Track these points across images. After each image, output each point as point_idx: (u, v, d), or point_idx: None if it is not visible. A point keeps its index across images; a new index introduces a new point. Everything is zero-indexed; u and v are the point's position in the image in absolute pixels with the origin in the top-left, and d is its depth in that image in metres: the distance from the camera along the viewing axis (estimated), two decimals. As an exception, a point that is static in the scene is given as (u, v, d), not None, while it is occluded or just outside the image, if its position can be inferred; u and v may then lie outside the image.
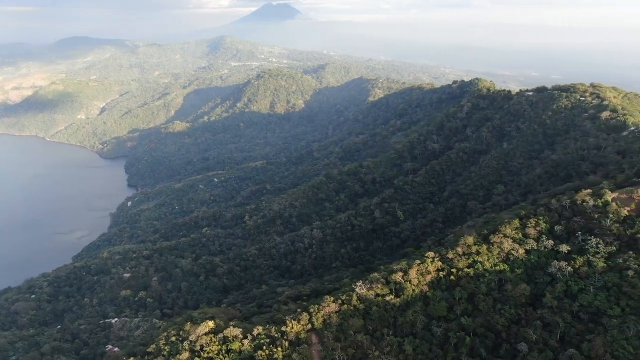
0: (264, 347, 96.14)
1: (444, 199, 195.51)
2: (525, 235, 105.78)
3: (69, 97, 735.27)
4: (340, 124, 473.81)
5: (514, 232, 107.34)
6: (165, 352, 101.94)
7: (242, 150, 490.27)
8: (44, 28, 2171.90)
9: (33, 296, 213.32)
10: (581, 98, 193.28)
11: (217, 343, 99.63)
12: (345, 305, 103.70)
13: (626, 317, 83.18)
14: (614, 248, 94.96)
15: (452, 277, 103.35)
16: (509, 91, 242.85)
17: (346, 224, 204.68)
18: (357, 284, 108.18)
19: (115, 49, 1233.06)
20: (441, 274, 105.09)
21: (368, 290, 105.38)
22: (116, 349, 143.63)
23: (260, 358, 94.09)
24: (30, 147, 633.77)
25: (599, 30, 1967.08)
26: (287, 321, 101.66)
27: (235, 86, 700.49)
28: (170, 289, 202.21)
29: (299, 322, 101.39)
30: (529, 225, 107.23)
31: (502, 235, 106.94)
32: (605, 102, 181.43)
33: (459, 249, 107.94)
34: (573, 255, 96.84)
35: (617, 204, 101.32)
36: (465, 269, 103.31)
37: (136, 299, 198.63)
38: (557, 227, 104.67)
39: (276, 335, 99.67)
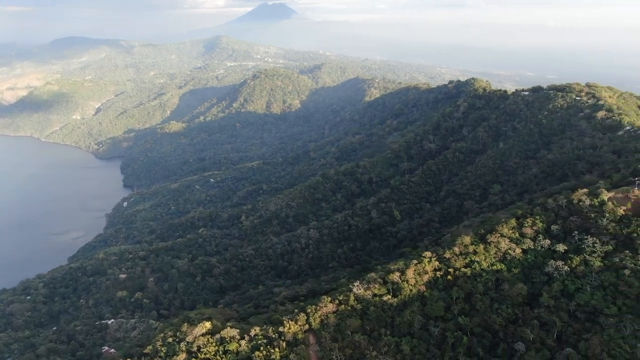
0: (262, 348, 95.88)
1: (441, 199, 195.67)
2: (522, 235, 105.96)
3: (64, 97, 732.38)
4: (337, 124, 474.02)
5: (510, 231, 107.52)
6: (162, 354, 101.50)
7: (239, 151, 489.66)
8: (39, 28, 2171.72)
9: (28, 297, 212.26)
10: (577, 98, 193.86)
11: (214, 344, 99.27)
12: (343, 306, 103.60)
13: (623, 316, 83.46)
14: (611, 247, 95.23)
15: (449, 277, 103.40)
16: (505, 91, 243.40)
17: (343, 224, 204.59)
18: (355, 284, 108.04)
19: (111, 49, 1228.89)
20: (438, 273, 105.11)
21: (365, 291, 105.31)
22: (112, 350, 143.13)
23: (258, 359, 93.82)
24: (25, 147, 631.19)
25: (599, 30, 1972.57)
26: (285, 322, 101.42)
27: (231, 86, 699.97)
28: (167, 289, 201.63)
29: (296, 322, 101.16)
30: (526, 225, 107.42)
31: (499, 234, 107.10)
32: (601, 102, 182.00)
33: (456, 249, 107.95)
34: (570, 255, 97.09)
35: (613, 204, 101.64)
36: (463, 269, 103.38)
37: (132, 300, 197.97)
38: (553, 227, 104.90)
39: (273, 335, 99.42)
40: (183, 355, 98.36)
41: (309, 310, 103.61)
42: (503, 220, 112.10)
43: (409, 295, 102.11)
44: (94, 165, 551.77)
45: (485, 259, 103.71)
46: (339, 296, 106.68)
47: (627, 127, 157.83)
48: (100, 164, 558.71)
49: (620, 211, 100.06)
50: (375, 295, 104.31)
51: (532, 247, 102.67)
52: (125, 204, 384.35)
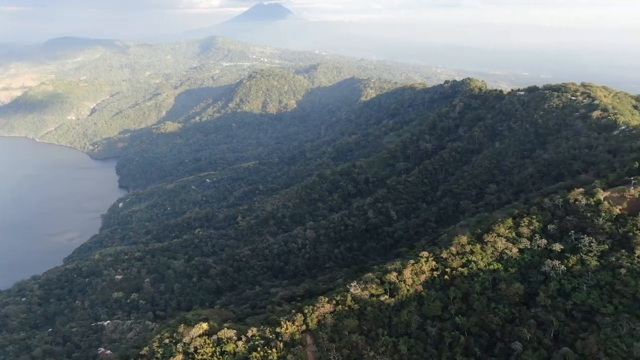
0: (259, 349, 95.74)
1: (437, 199, 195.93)
2: (519, 235, 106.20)
3: (58, 97, 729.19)
4: (333, 124, 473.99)
5: (507, 231, 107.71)
6: (158, 355, 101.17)
7: (235, 151, 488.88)
8: (33, 28, 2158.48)
9: (24, 299, 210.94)
10: (572, 97, 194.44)
11: (211, 345, 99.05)
12: (340, 306, 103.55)
13: (619, 315, 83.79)
14: (607, 246, 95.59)
15: (446, 276, 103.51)
16: (501, 91, 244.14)
17: (339, 224, 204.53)
18: (352, 284, 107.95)
19: (106, 49, 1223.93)
20: (435, 273, 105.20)
21: (362, 291, 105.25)
22: (108, 351, 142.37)
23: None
24: (20, 148, 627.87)
25: (594, 30, 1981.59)
26: (282, 322, 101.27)
27: (227, 86, 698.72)
28: (163, 290, 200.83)
29: (293, 323, 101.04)
30: (522, 225, 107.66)
31: (495, 234, 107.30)
32: (596, 102, 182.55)
33: (453, 249, 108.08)
34: (566, 254, 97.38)
35: (609, 203, 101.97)
36: (459, 269, 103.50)
37: (128, 301, 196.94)
38: (550, 226, 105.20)
39: (271, 336, 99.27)
40: (180, 357, 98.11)
41: (306, 311, 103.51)
42: (499, 219, 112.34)
43: (406, 295, 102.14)
44: (89, 166, 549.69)
45: (482, 259, 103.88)
46: (336, 296, 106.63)
47: (622, 127, 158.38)
48: (96, 164, 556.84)
49: (616, 210, 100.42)
50: (372, 295, 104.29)
51: (529, 247, 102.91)
52: (120, 204, 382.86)
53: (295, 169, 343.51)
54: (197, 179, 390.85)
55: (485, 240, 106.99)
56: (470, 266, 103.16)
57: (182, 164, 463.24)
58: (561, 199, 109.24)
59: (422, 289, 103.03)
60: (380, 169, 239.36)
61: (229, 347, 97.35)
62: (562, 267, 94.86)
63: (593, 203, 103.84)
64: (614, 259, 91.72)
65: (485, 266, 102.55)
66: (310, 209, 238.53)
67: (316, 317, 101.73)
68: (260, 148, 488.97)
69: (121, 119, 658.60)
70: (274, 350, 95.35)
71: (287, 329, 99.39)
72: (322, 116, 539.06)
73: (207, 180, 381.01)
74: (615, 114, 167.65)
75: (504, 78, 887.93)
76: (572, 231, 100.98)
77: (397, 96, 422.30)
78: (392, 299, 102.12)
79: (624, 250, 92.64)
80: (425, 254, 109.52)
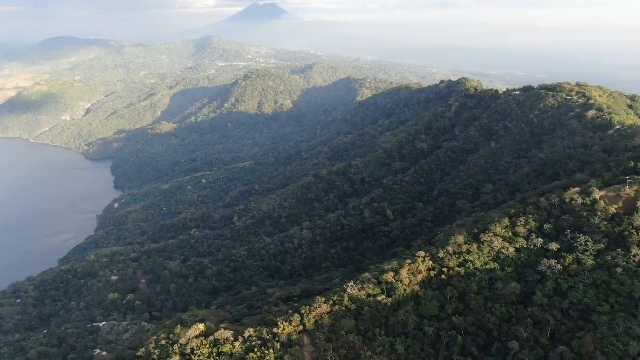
0: (256, 350, 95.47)
1: (433, 199, 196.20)
2: (515, 234, 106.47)
3: (53, 98, 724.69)
4: (329, 124, 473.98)
5: (504, 230, 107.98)
6: (155, 356, 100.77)
7: (230, 151, 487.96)
8: (27, 28, 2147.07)
9: (19, 301, 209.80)
10: (567, 97, 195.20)
11: (208, 346, 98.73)
12: (337, 306, 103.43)
13: (615, 314, 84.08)
14: (603, 246, 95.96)
15: (443, 276, 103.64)
16: (497, 91, 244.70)
17: (336, 224, 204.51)
18: (349, 284, 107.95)
19: (101, 50, 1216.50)
20: (432, 273, 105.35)
21: (360, 291, 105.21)
22: (104, 353, 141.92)
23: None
24: (14, 149, 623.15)
25: (590, 30, 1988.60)
26: (279, 323, 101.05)
27: (222, 87, 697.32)
28: (159, 291, 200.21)
29: (290, 323, 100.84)
30: (519, 224, 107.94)
31: (492, 234, 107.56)
32: (591, 102, 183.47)
33: (450, 248, 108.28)
34: (563, 254, 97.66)
35: (605, 202, 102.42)
36: (456, 268, 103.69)
37: (124, 302, 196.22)
38: (546, 226, 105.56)
39: (268, 337, 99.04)
40: (177, 358, 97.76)
41: (303, 311, 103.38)
42: (496, 219, 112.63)
43: (403, 295, 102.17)
44: (84, 167, 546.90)
45: (478, 258, 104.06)
46: (333, 297, 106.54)
47: (618, 126, 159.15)
48: (91, 165, 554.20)
49: (612, 210, 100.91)
50: (369, 295, 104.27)
51: (525, 246, 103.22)
52: (116, 205, 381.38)
53: (292, 169, 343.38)
54: (193, 179, 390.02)
55: (482, 240, 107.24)
56: (467, 266, 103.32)
57: (178, 165, 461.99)
58: (557, 199, 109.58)
59: (419, 289, 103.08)
60: (377, 169, 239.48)
61: (226, 348, 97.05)
62: (559, 266, 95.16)
63: (589, 202, 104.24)
64: (610, 258, 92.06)
65: (482, 266, 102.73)
66: (307, 209, 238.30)
67: (313, 318, 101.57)
68: (256, 148, 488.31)
69: (116, 119, 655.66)
70: (271, 351, 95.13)
71: (284, 329, 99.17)
72: (318, 116, 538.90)
73: (203, 180, 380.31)
74: (610, 113, 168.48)
75: (499, 78, 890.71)
76: (569, 230, 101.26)
77: (393, 96, 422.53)
78: (389, 299, 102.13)
79: (620, 250, 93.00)
80: (422, 253, 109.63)
